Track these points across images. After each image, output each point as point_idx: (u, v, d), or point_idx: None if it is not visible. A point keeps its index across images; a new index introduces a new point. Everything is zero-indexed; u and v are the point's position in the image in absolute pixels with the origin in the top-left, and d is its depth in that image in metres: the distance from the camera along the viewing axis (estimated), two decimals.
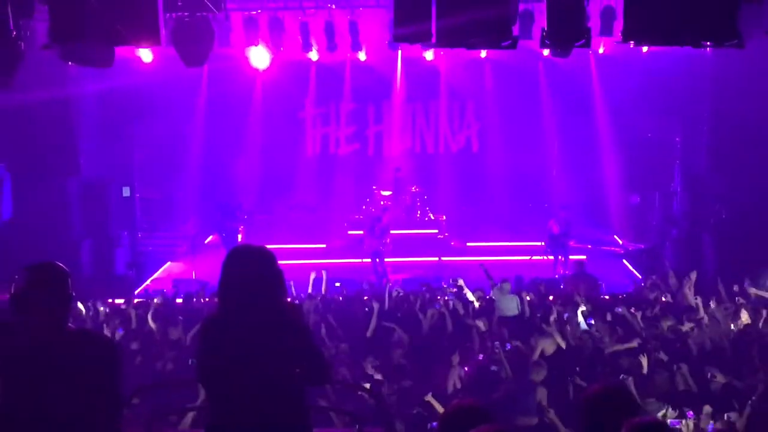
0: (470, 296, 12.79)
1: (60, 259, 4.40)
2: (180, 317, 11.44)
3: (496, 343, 9.95)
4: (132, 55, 15.23)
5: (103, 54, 9.61)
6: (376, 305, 11.26)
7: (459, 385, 9.06)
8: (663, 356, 9.33)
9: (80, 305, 12.36)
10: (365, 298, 13.19)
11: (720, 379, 8.54)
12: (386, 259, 17.97)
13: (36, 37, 11.16)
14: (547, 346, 9.70)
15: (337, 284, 15.03)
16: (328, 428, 7.03)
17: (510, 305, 12.18)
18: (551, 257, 18.30)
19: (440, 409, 8.05)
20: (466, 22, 8.04)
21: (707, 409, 7.70)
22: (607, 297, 13.71)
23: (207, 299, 13.17)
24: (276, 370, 4.43)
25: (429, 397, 8.19)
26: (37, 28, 10.66)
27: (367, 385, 8.13)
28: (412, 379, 9.26)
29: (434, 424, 7.65)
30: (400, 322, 11.07)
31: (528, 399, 8.60)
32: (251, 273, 4.43)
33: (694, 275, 12.63)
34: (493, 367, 9.55)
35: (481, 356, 9.93)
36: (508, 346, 10.02)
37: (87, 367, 4.13)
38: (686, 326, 10.50)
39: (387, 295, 12.31)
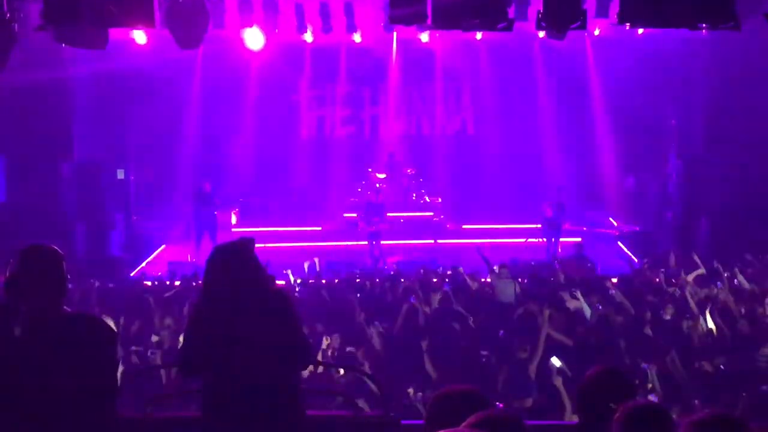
0: (469, 281, 12.71)
1: (54, 241, 4.37)
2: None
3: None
4: (126, 37, 15.15)
5: (97, 36, 9.53)
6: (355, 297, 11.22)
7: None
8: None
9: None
10: (357, 281, 13.15)
11: (707, 367, 8.51)
12: (382, 242, 17.93)
13: (30, 19, 11.08)
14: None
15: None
16: (324, 411, 7.01)
17: (507, 290, 12.09)
18: (544, 239, 18.23)
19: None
20: (461, 3, 8.01)
21: None
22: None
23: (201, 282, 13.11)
24: (266, 355, 4.56)
25: (410, 391, 8.10)
26: (31, 9, 10.57)
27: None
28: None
29: None
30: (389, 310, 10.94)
31: (520, 378, 8.53)
32: (231, 266, 4.65)
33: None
34: (484, 352, 9.45)
35: None
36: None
37: (83, 350, 4.11)
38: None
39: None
